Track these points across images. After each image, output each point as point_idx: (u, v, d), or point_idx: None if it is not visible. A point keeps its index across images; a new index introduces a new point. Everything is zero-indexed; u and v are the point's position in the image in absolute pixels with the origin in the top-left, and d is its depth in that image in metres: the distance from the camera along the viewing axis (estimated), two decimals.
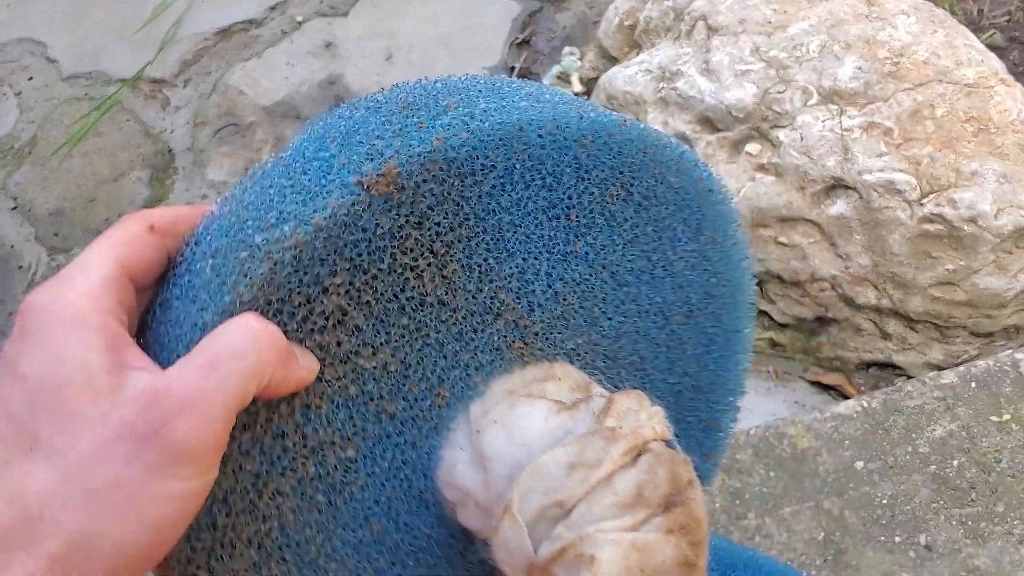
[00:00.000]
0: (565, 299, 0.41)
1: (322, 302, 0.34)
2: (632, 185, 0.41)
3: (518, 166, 0.37)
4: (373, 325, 0.36)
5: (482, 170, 0.36)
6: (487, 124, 0.36)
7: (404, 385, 0.38)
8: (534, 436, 0.38)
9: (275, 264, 0.32)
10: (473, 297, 0.38)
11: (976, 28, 1.48)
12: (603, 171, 0.40)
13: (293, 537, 0.37)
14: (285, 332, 0.33)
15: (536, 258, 0.39)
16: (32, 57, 2.09)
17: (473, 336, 0.39)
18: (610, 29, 1.42)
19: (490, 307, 0.39)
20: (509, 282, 0.39)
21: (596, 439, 0.36)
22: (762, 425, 1.00)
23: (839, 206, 1.05)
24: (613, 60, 1.42)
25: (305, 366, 0.35)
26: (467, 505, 0.40)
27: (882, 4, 1.15)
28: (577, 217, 0.40)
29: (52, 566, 0.31)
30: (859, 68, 1.07)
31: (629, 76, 1.22)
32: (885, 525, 0.90)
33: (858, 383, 1.15)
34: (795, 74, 1.09)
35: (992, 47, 1.29)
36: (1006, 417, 0.95)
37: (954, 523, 0.89)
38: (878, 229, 1.04)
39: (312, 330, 0.34)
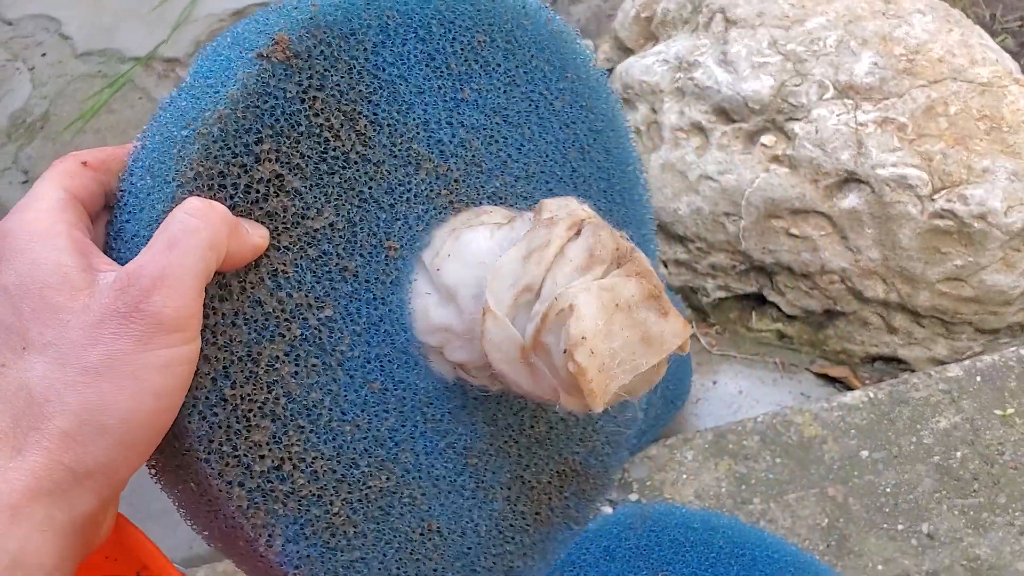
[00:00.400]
0: (471, 145, 0.46)
1: (257, 170, 0.38)
2: (492, 31, 0.47)
3: (391, 23, 0.42)
4: (309, 187, 0.40)
5: (361, 30, 0.41)
6: None
7: (355, 242, 0.42)
8: (484, 252, 0.43)
9: (205, 139, 0.37)
10: (390, 150, 0.43)
11: (988, 32, 1.50)
12: (464, 20, 0.45)
13: (301, 403, 0.40)
14: (233, 207, 0.38)
15: (434, 107, 0.45)
16: (46, 33, 2.09)
17: (402, 188, 0.44)
18: (627, 20, 1.43)
19: (408, 159, 0.44)
20: (417, 132, 0.44)
21: (539, 229, 0.42)
22: (769, 413, 1.01)
23: (851, 199, 1.07)
24: (628, 51, 1.43)
25: (256, 233, 0.38)
26: (451, 342, 0.44)
27: (899, 2, 1.16)
28: (456, 65, 0.45)
29: (65, 440, 0.33)
30: (875, 64, 1.08)
31: (646, 66, 1.23)
32: (888, 513, 0.91)
33: (863, 376, 1.16)
34: (811, 68, 1.10)
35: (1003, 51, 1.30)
36: (1010, 411, 0.97)
37: (956, 513, 0.90)
38: (889, 223, 1.05)
39: (256, 200, 0.39)
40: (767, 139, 1.11)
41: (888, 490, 0.93)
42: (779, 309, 1.18)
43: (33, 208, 0.38)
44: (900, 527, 0.90)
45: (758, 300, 1.21)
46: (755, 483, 0.95)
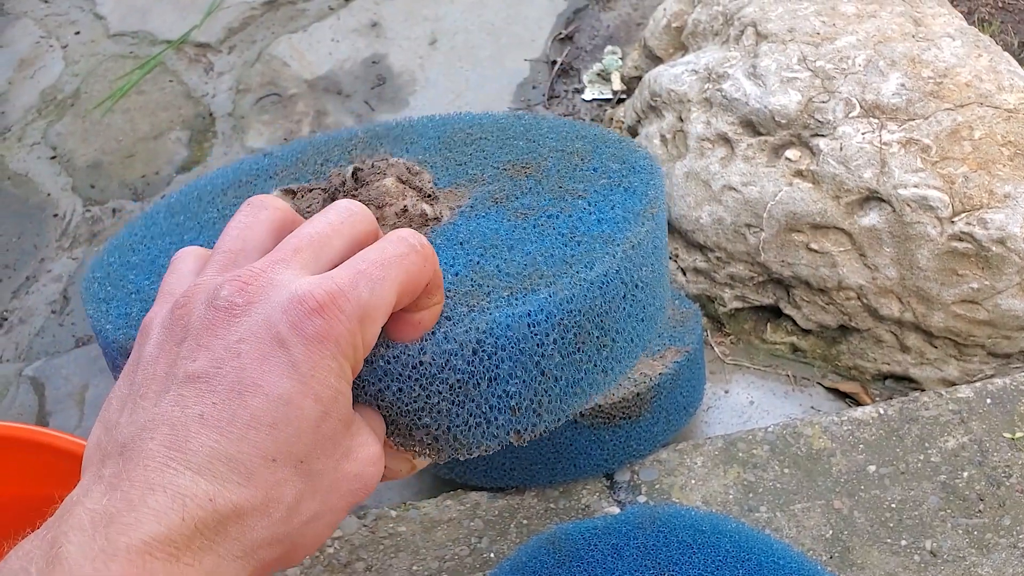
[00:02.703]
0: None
1: None
2: None
3: None
4: None
5: None
6: None
7: None
8: None
9: None
10: None
11: (1016, 58, 1.50)
12: None
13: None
14: None
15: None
16: (80, 12, 2.12)
17: None
18: (657, 29, 1.44)
19: None
20: None
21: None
22: (780, 423, 1.02)
23: (872, 217, 1.08)
24: (657, 60, 1.45)
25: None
26: None
27: (929, 25, 1.17)
28: None
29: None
30: (902, 85, 1.09)
31: (675, 75, 1.25)
32: (892, 528, 0.92)
33: (874, 393, 1.17)
34: (839, 85, 1.11)
35: None
36: (1019, 434, 0.97)
37: (960, 532, 0.91)
38: (908, 243, 1.06)
39: None
40: (792, 153, 1.12)
41: (894, 506, 0.94)
42: (794, 322, 1.19)
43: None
44: (904, 543, 0.91)
45: (774, 312, 1.22)
46: (762, 492, 0.96)
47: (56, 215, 1.72)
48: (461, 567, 0.95)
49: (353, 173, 0.64)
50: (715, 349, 1.23)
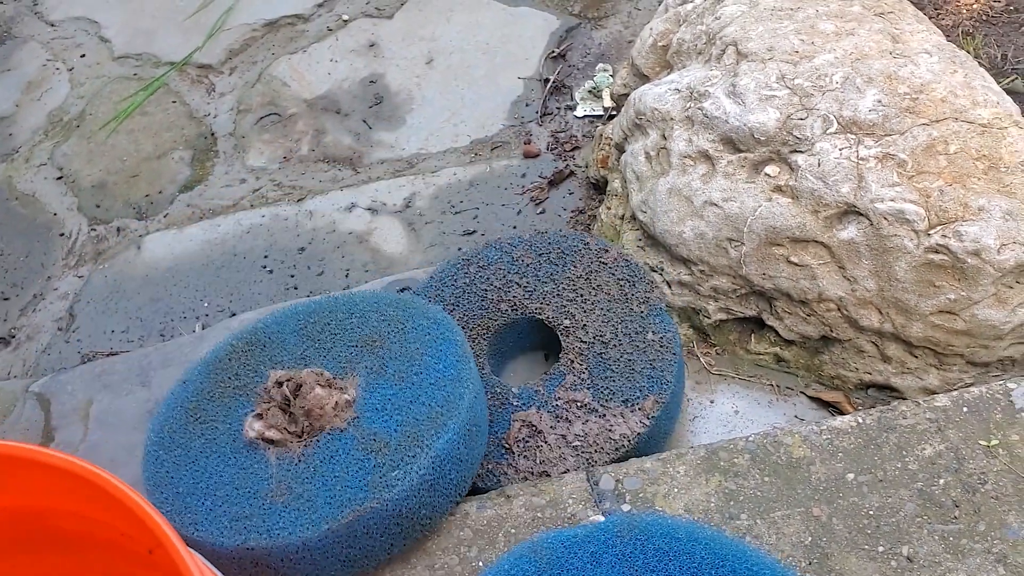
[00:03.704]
0: None
1: None
2: None
3: None
4: None
5: None
6: None
7: None
8: None
9: None
10: None
11: (999, 73, 1.53)
12: None
13: None
14: None
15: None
16: (86, 35, 2.17)
17: None
18: (644, 48, 1.47)
19: None
20: None
21: None
22: (760, 432, 1.05)
23: (850, 231, 1.10)
24: (644, 78, 1.48)
25: None
26: None
27: (907, 42, 1.20)
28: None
29: None
30: (879, 101, 1.12)
31: (659, 94, 1.28)
32: (870, 535, 0.95)
33: (856, 402, 1.19)
34: (817, 103, 1.14)
35: (1012, 92, 1.34)
36: (994, 442, 1.00)
37: (936, 538, 0.94)
38: (885, 256, 1.09)
39: None
40: (771, 169, 1.15)
41: (871, 512, 0.96)
42: (777, 333, 1.22)
43: None
44: (881, 549, 0.93)
45: (757, 323, 1.25)
46: (743, 500, 0.99)
47: (62, 234, 1.76)
48: None
49: (292, 389, 1.05)
50: (700, 359, 1.26)
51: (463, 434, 0.99)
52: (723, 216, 1.16)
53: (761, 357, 1.25)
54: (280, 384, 1.07)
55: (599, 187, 1.58)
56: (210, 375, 1.13)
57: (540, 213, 1.60)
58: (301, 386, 1.05)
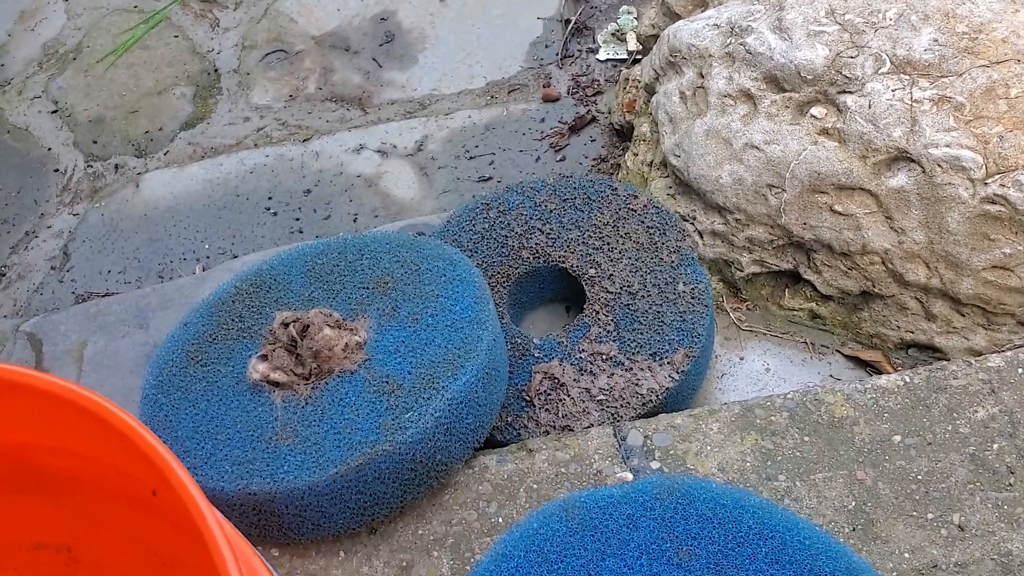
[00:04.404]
0: None
1: None
2: None
3: None
4: None
5: None
6: None
7: None
8: None
9: None
10: None
11: None
12: None
13: None
14: None
15: None
16: None
17: None
18: None
19: None
20: None
21: None
22: (800, 390, 0.98)
23: (900, 179, 1.03)
24: (676, 17, 1.40)
25: None
26: None
27: None
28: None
29: None
30: (935, 40, 1.04)
31: (695, 30, 1.20)
32: (918, 501, 0.88)
33: (896, 362, 1.13)
34: (869, 40, 1.06)
35: None
36: None
37: (989, 506, 0.87)
38: (937, 205, 1.02)
39: None
40: (817, 111, 1.07)
41: (920, 477, 0.90)
42: (814, 288, 1.15)
43: None
44: (930, 516, 0.87)
45: (792, 278, 1.18)
46: (781, 460, 0.93)
47: (57, 170, 1.68)
48: (468, 531, 0.92)
49: (299, 330, 0.97)
50: (730, 315, 1.19)
51: (481, 377, 0.92)
52: (764, 160, 1.09)
53: (795, 313, 1.18)
54: (286, 325, 1.00)
55: (623, 134, 1.50)
56: (212, 317, 1.06)
57: (560, 160, 1.52)
58: (309, 327, 0.98)
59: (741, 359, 1.15)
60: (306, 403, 0.93)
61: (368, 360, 0.96)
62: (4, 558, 0.61)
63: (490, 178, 1.52)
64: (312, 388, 0.94)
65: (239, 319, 1.05)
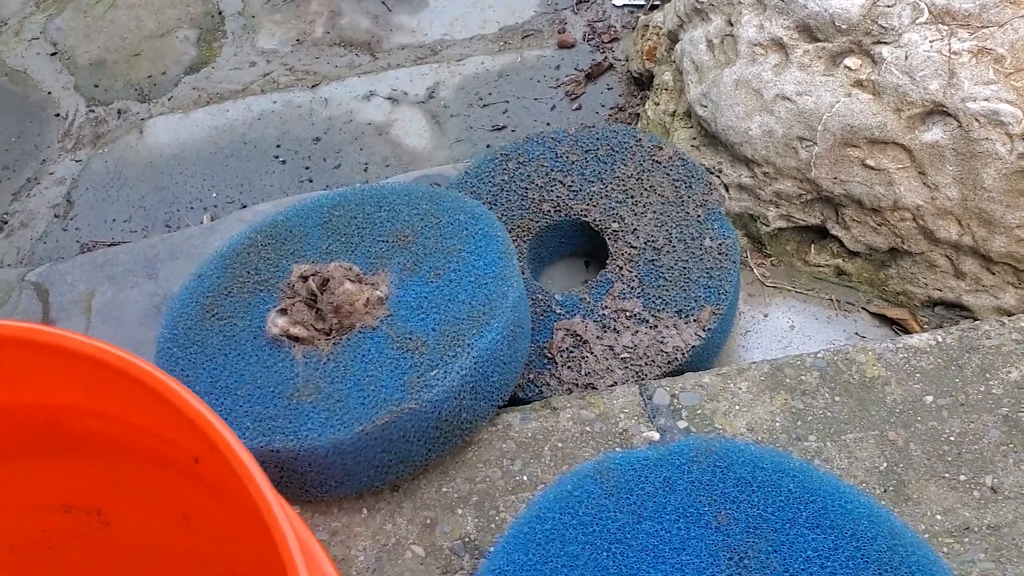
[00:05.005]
0: None
1: None
2: None
3: None
4: None
5: None
6: None
7: None
8: None
9: None
10: None
11: None
12: None
13: None
14: None
15: None
16: None
17: None
18: None
19: None
20: None
21: None
22: (830, 349, 0.96)
23: (935, 133, 1.00)
24: None
25: None
26: None
27: None
28: None
29: None
30: None
31: None
32: (951, 462, 0.87)
33: (922, 320, 1.11)
34: None
35: None
36: None
37: (1023, 468, 0.86)
38: (973, 161, 0.99)
39: None
40: (851, 62, 1.04)
41: (952, 438, 0.88)
42: (841, 244, 1.13)
43: None
44: (962, 477, 0.86)
45: (819, 233, 1.16)
46: (812, 420, 0.91)
47: (58, 115, 1.63)
48: (493, 489, 0.91)
49: (319, 284, 0.94)
50: (754, 271, 1.17)
51: (507, 334, 0.90)
52: (796, 112, 1.06)
53: (820, 269, 1.16)
54: (305, 279, 0.97)
55: (641, 83, 1.46)
56: (227, 269, 1.03)
57: (576, 109, 1.48)
58: (328, 281, 0.96)
59: (765, 316, 1.13)
60: (327, 359, 0.91)
61: (390, 316, 0.93)
62: (33, 519, 0.60)
63: (504, 127, 1.48)
64: (333, 344, 0.92)
65: (255, 271, 1.02)
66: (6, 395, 0.50)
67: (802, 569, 0.67)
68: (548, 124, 1.47)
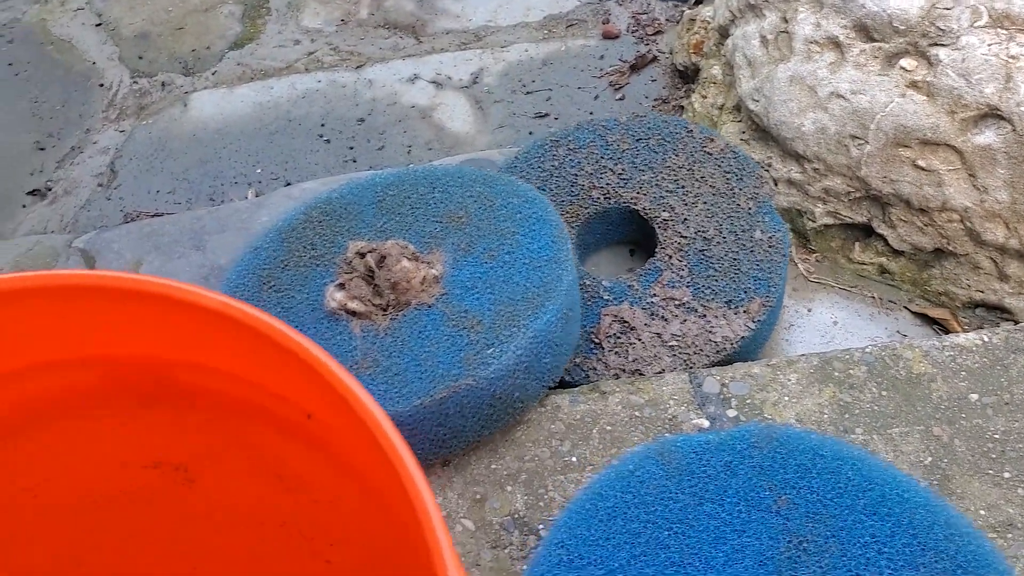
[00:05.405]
0: None
1: None
2: None
3: None
4: None
5: None
6: None
7: None
8: None
9: None
10: None
11: None
12: None
13: None
14: None
15: None
16: None
17: None
18: None
19: None
20: None
21: None
22: (878, 345, 0.98)
23: (988, 136, 1.01)
24: None
25: None
26: None
27: None
28: None
29: None
30: None
31: None
32: (995, 459, 0.89)
33: (963, 321, 1.12)
34: None
35: None
36: None
37: None
38: None
39: None
40: (907, 63, 1.05)
41: (997, 436, 0.90)
42: (886, 242, 1.14)
43: None
44: (1007, 475, 0.88)
45: (863, 231, 1.17)
46: (859, 413, 0.93)
47: (102, 85, 1.65)
48: (542, 468, 0.92)
49: (376, 260, 0.95)
50: (799, 266, 1.18)
51: (560, 317, 0.91)
52: (849, 110, 1.07)
53: (864, 267, 1.17)
54: (362, 255, 0.99)
55: (686, 76, 1.47)
56: (283, 243, 1.05)
57: (619, 99, 1.49)
58: (386, 258, 0.97)
59: (809, 311, 1.14)
60: (385, 334, 0.92)
61: (446, 295, 0.95)
62: (123, 474, 0.61)
63: (547, 114, 1.49)
64: (390, 319, 0.94)
65: (311, 247, 1.03)
66: (119, 349, 0.51)
67: (860, 554, 0.69)
68: (591, 114, 1.48)
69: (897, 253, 1.15)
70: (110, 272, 0.48)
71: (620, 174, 1.14)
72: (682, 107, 1.41)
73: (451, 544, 0.37)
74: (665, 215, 1.10)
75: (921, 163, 1.05)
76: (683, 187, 1.11)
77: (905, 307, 1.15)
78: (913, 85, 1.05)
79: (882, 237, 1.14)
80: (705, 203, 1.10)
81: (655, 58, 1.53)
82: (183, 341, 0.50)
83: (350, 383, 0.42)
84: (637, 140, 1.17)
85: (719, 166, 1.12)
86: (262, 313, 0.45)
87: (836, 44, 1.09)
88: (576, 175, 1.16)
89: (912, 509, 0.71)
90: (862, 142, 1.07)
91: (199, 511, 0.64)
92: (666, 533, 0.71)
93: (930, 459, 0.89)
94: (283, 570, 0.69)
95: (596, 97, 1.50)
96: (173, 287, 0.47)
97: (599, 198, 1.14)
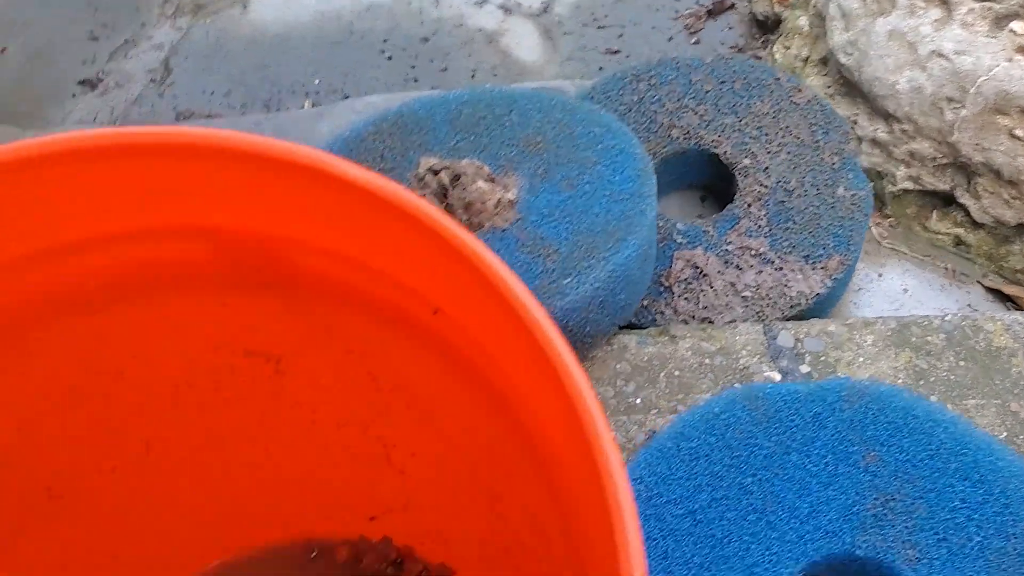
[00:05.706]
0: None
1: None
2: None
3: None
4: None
5: None
6: None
7: None
8: None
9: None
10: None
11: None
12: None
13: None
14: None
15: None
16: None
17: None
18: None
19: None
20: None
21: None
22: (959, 314, 0.95)
23: None
24: None
25: None
26: None
27: None
28: None
29: None
30: None
31: None
32: None
33: None
34: None
35: None
36: None
37: None
38: None
39: None
40: (1018, 25, 1.01)
41: None
42: (966, 213, 1.11)
43: None
44: None
45: (943, 200, 1.13)
46: (934, 381, 0.90)
47: None
48: (605, 407, 0.90)
49: (450, 178, 0.92)
50: (873, 230, 1.15)
51: (640, 254, 0.88)
52: (950, 71, 1.03)
53: (939, 237, 1.14)
54: (435, 172, 0.95)
55: (765, 26, 1.42)
56: (351, 153, 1.01)
57: (694, 43, 1.45)
58: (460, 177, 0.94)
59: (879, 276, 1.11)
60: None
61: (520, 220, 0.92)
62: (213, 358, 0.59)
63: (618, 51, 1.45)
64: None
65: (380, 158, 1.00)
66: (232, 220, 0.48)
67: (948, 518, 0.67)
68: (663, 54, 1.44)
69: (977, 225, 1.11)
70: (244, 134, 0.44)
71: (702, 115, 1.11)
72: (759, 57, 1.36)
73: (622, 461, 0.34)
74: (746, 162, 1.07)
75: (1019, 132, 1.02)
76: (767, 135, 1.08)
77: (978, 281, 1.12)
78: (1021, 50, 1.00)
79: (963, 207, 1.11)
80: (788, 153, 1.06)
81: (732, 5, 1.48)
82: (310, 219, 0.47)
83: (506, 275, 0.39)
84: (721, 82, 1.13)
85: (805, 117, 1.08)
86: (406, 190, 0.41)
87: (943, 1, 1.05)
88: (656, 112, 1.12)
89: (1006, 478, 0.69)
90: (959, 105, 1.03)
91: (282, 406, 0.62)
92: (750, 479, 0.68)
93: (1005, 434, 0.87)
94: (354, 476, 0.67)
95: (670, 39, 1.46)
96: (324, 159, 0.44)
97: (678, 138, 1.10)
